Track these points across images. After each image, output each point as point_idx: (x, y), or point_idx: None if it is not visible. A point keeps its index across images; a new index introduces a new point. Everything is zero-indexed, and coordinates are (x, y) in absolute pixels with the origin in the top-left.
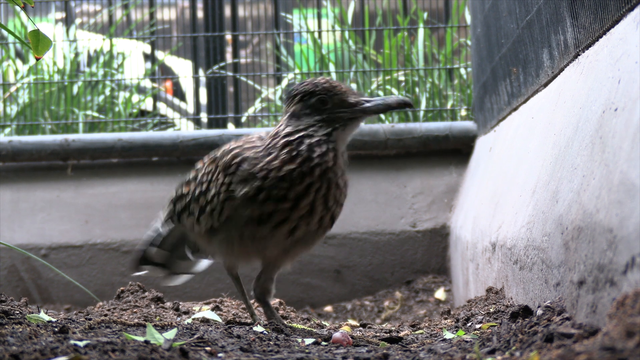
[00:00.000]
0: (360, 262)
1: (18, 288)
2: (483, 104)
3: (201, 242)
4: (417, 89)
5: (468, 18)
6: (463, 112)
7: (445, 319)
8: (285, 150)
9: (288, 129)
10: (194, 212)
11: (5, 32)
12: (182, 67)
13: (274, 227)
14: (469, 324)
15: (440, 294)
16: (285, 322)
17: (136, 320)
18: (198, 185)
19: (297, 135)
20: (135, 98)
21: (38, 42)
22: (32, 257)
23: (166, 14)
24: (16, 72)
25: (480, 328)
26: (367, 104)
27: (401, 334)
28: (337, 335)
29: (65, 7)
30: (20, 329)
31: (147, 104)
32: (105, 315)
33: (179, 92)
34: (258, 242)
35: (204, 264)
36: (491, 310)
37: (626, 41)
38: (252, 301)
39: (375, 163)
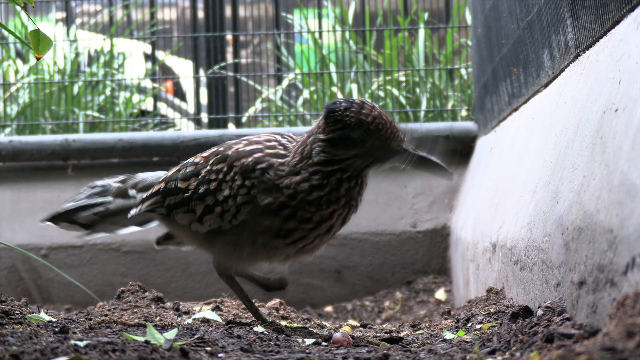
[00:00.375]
0: (360, 262)
1: (18, 288)
2: (484, 104)
3: (192, 238)
4: (417, 89)
5: (469, 18)
6: (464, 113)
7: (446, 319)
8: (316, 177)
9: (323, 157)
10: (196, 210)
11: (5, 32)
12: (183, 67)
13: (290, 242)
14: (470, 325)
15: (440, 294)
16: (284, 322)
17: (136, 321)
18: (203, 182)
19: (330, 168)
20: (136, 98)
21: (39, 42)
22: (32, 257)
23: (167, 14)
24: (16, 72)
25: (480, 328)
26: (406, 154)
27: (401, 334)
28: (337, 335)
29: (66, 7)
30: (21, 329)
31: (148, 104)
32: (106, 315)
33: (179, 92)
34: (269, 251)
35: (132, 229)
36: (491, 310)
37: (627, 42)
38: (253, 300)
39: None
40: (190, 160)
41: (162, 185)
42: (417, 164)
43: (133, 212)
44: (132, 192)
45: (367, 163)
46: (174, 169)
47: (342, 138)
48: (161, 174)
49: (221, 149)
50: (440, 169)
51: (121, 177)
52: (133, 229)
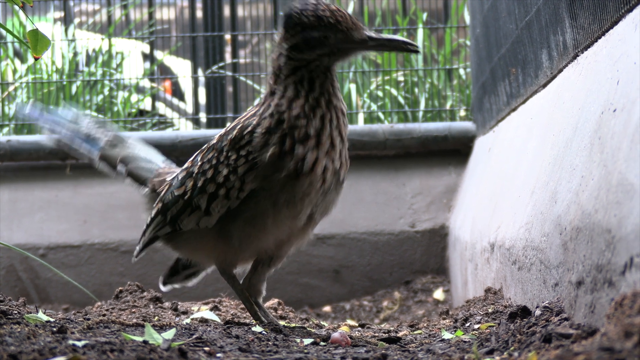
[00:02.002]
0: (359, 262)
1: (16, 288)
2: (482, 104)
3: (203, 243)
4: (416, 90)
5: (467, 18)
6: (462, 113)
7: (444, 319)
8: (290, 89)
9: (290, 65)
10: (201, 204)
11: (3, 31)
12: (181, 67)
13: (310, 171)
14: (468, 324)
15: (438, 294)
16: (283, 322)
17: (135, 320)
18: (199, 177)
19: (300, 73)
20: (134, 98)
21: (37, 42)
22: (30, 257)
23: (165, 14)
24: (15, 71)
25: (478, 328)
26: (371, 41)
27: (400, 334)
28: (335, 335)
29: (64, 7)
30: (19, 329)
31: (146, 104)
32: (104, 315)
33: (177, 92)
34: (294, 207)
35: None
36: (490, 310)
37: (625, 42)
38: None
39: (374, 163)
40: (178, 169)
41: (159, 205)
42: (382, 48)
43: (137, 248)
44: (120, 167)
45: (334, 59)
46: (166, 188)
47: (305, 40)
48: (151, 155)
49: (203, 147)
50: (405, 45)
51: (110, 134)
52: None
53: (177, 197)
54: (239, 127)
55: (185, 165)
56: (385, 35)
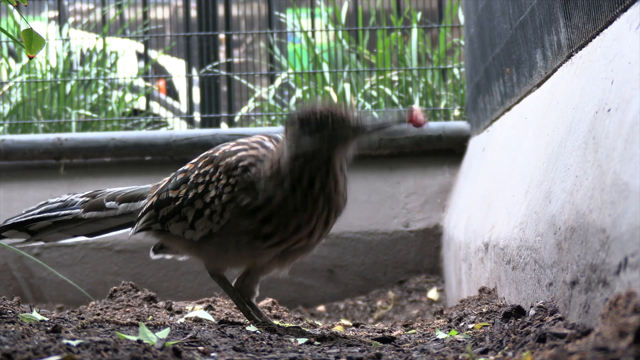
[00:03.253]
0: (353, 261)
1: (10, 287)
2: (476, 104)
3: (187, 248)
4: (410, 89)
5: (461, 18)
6: (456, 112)
7: (438, 318)
8: (288, 180)
9: (290, 152)
10: (187, 216)
11: None
12: (176, 67)
13: (271, 245)
14: (462, 324)
15: (433, 293)
16: (277, 321)
17: (129, 320)
18: (192, 187)
19: (298, 162)
20: (128, 97)
21: (31, 41)
22: (24, 256)
23: (159, 13)
24: (9, 70)
25: (472, 328)
26: (366, 128)
27: (394, 334)
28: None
29: (58, 6)
30: (13, 328)
31: (140, 103)
32: (98, 314)
33: (172, 92)
34: (253, 251)
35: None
36: (484, 310)
37: (619, 42)
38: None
39: (368, 163)
40: (181, 168)
41: (155, 198)
42: (377, 134)
43: (131, 231)
44: (110, 204)
45: (331, 149)
46: (166, 180)
47: (302, 134)
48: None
49: (210, 151)
50: (397, 128)
51: (87, 192)
52: (81, 238)
53: (170, 199)
54: (238, 155)
55: (187, 167)
56: (376, 122)
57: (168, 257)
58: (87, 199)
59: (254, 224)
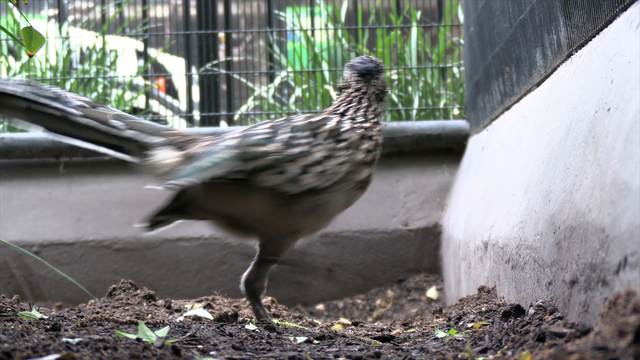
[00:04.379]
0: (352, 260)
1: (10, 285)
2: (476, 103)
3: (259, 208)
4: (409, 88)
5: (461, 17)
6: (456, 111)
7: (437, 317)
8: (378, 125)
9: (374, 108)
10: (287, 170)
11: None
12: (175, 65)
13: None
14: (461, 323)
15: (432, 292)
16: (276, 320)
17: (128, 318)
18: (292, 146)
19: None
20: (128, 95)
21: (31, 39)
22: (24, 254)
23: (159, 12)
24: (8, 68)
25: (472, 327)
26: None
27: (393, 333)
28: None
29: (58, 4)
30: (12, 327)
31: (140, 102)
32: (97, 312)
33: (171, 90)
34: (344, 206)
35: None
36: (483, 309)
37: (619, 41)
38: (243, 298)
39: None
40: (275, 123)
41: (234, 151)
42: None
43: (184, 181)
44: (115, 122)
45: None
46: (246, 130)
47: (375, 93)
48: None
49: (313, 118)
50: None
51: (85, 99)
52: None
53: (262, 153)
54: (359, 132)
55: (267, 127)
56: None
57: (162, 228)
58: (84, 103)
59: (369, 171)
